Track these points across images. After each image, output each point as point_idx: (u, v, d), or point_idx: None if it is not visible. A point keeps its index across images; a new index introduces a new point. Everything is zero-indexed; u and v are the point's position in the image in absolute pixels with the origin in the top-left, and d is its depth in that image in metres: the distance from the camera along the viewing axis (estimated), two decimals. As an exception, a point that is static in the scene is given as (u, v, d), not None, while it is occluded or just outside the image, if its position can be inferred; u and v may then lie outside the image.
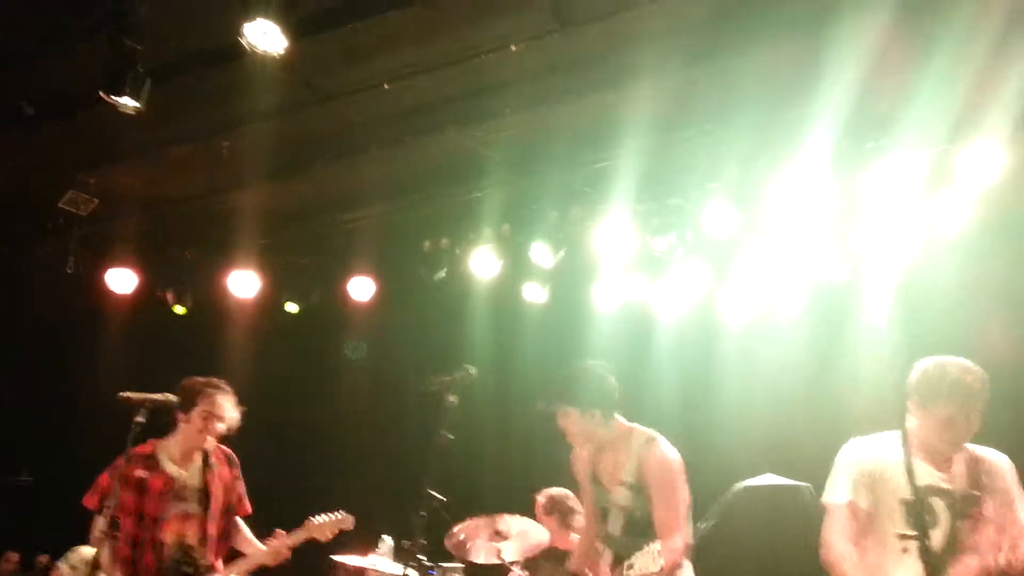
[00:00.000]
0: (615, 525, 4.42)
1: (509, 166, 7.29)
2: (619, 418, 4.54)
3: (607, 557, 4.46)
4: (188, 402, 5.15)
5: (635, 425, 4.55)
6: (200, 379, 5.28)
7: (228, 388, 5.31)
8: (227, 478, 5.33)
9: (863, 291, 7.60)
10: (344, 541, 7.18)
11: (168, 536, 5.03)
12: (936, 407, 3.61)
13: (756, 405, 8.03)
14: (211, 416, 5.17)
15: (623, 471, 4.43)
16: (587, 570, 4.72)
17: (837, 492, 3.80)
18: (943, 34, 5.41)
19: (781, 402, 7.89)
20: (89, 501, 5.10)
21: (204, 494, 5.18)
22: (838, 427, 7.31)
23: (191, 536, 5.11)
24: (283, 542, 5.27)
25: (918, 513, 3.37)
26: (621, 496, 4.41)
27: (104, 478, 5.11)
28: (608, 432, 4.49)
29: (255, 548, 5.33)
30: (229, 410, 5.26)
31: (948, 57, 5.46)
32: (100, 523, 4.90)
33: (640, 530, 4.39)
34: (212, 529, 5.15)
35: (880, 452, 3.72)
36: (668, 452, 4.44)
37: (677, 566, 4.29)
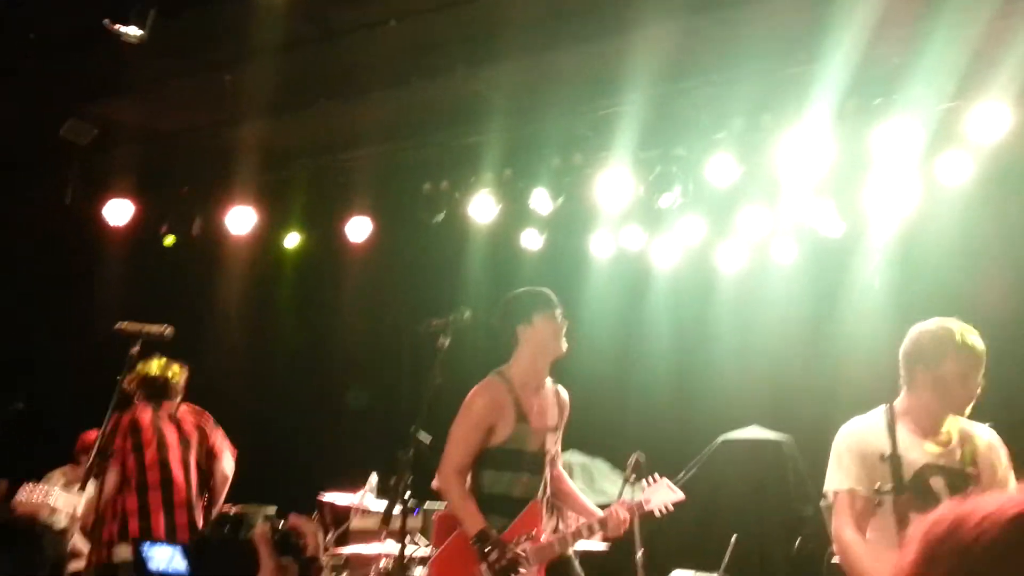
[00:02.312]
0: (545, 467, 4.62)
1: (512, 111, 7.24)
2: None
3: (542, 502, 4.58)
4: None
5: None
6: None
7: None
8: None
9: (861, 248, 7.62)
10: (335, 479, 7.29)
11: None
12: (947, 364, 3.60)
13: (749, 357, 8.09)
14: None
15: (548, 416, 4.67)
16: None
17: (834, 479, 3.75)
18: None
19: (774, 355, 7.95)
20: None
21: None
22: (830, 381, 7.45)
23: None
24: None
25: (895, 468, 3.37)
26: (550, 440, 4.66)
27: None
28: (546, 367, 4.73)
29: None
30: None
31: (957, 13, 5.42)
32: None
33: (543, 466, 4.63)
34: None
35: (871, 431, 3.69)
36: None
37: None
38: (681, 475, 7.24)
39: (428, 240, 8.80)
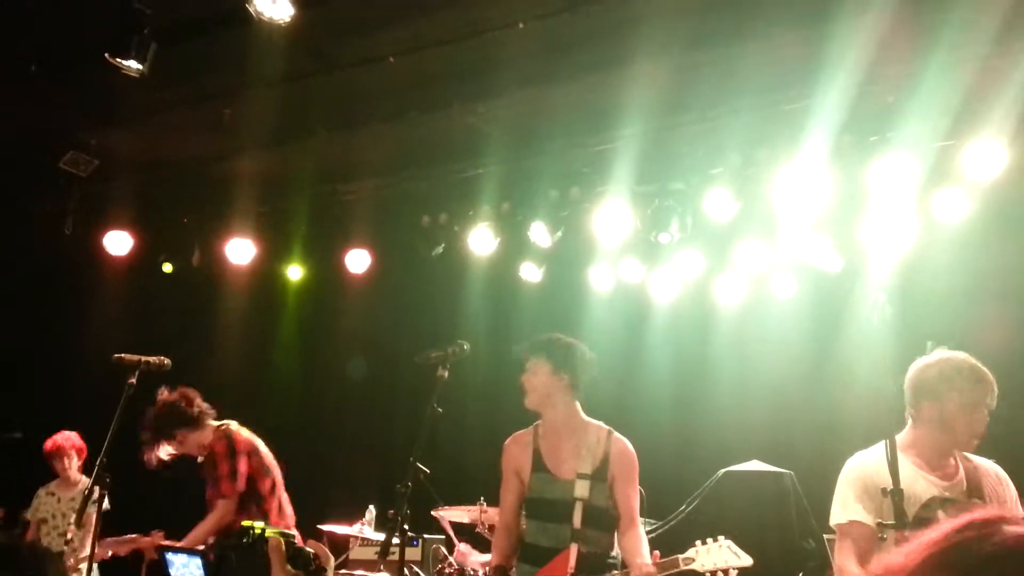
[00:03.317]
0: (576, 518, 4.41)
1: (511, 144, 7.29)
2: (579, 407, 4.61)
3: (573, 552, 4.35)
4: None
5: (591, 419, 4.61)
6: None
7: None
8: None
9: (859, 283, 7.64)
10: (333, 510, 7.27)
11: None
12: (953, 399, 3.57)
13: (749, 391, 8.08)
14: None
15: (580, 461, 4.47)
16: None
17: (838, 513, 3.71)
18: (946, 28, 5.42)
19: (774, 389, 7.93)
20: None
21: None
22: (830, 416, 7.44)
23: None
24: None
25: (897, 503, 3.34)
26: (581, 488, 4.43)
27: None
28: (567, 414, 4.55)
29: None
30: None
31: (951, 52, 5.47)
32: None
33: (599, 521, 4.45)
34: None
35: (874, 465, 3.62)
36: (629, 444, 4.58)
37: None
38: (683, 508, 7.21)
39: (427, 272, 8.81)
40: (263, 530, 3.86)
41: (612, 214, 7.33)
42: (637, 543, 4.38)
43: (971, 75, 5.62)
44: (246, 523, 4.99)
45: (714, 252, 7.96)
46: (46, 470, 7.60)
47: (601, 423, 4.62)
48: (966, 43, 5.42)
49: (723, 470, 7.31)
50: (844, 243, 7.37)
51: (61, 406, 8.92)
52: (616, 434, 4.58)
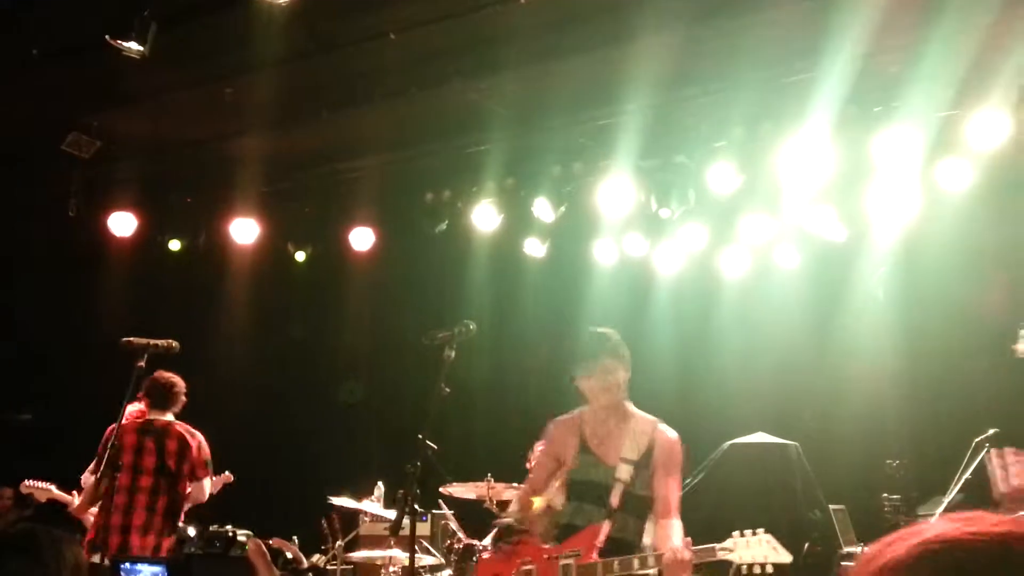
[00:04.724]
0: (615, 498, 4.46)
1: (513, 120, 7.27)
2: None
3: (604, 528, 4.41)
4: None
5: (638, 411, 4.64)
6: None
7: None
8: None
9: (864, 253, 7.64)
10: (341, 486, 7.32)
11: None
12: None
13: (754, 364, 8.10)
14: None
15: (625, 448, 4.51)
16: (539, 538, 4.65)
17: None
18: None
19: (779, 361, 7.96)
20: None
21: None
22: (835, 386, 7.47)
23: None
24: None
25: None
26: (624, 471, 4.47)
27: None
28: (620, 404, 4.58)
29: None
30: None
31: (954, 22, 5.44)
32: None
33: (635, 507, 4.49)
34: None
35: None
36: (675, 436, 4.59)
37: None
38: (689, 480, 7.25)
39: (431, 249, 8.82)
40: (234, 534, 3.84)
41: (615, 188, 7.32)
42: (671, 532, 4.39)
43: (975, 45, 5.59)
44: (213, 528, 4.97)
45: (718, 225, 7.96)
46: (54, 452, 7.66)
47: (648, 415, 4.64)
48: (970, 13, 5.39)
49: (728, 442, 7.34)
50: (848, 213, 7.36)
51: (69, 388, 8.97)
52: (663, 426, 4.60)
